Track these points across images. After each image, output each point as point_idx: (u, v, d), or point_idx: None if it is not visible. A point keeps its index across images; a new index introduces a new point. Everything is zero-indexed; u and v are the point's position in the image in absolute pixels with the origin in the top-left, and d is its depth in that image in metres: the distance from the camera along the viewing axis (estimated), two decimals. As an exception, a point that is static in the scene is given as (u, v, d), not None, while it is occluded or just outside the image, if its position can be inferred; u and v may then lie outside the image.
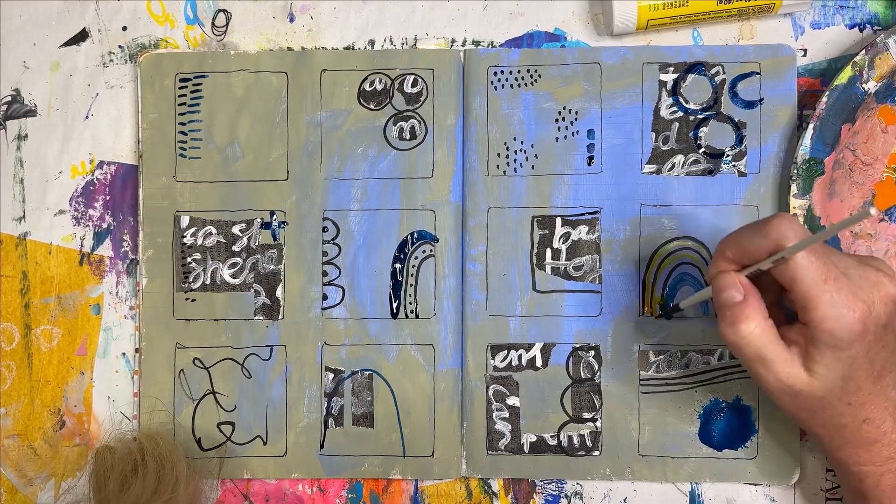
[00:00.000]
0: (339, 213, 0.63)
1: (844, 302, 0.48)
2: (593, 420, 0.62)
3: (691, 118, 0.62)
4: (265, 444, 0.62)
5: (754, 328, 0.50)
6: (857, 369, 0.50)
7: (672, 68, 0.62)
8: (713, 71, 0.62)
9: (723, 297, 0.51)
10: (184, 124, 0.63)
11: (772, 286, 0.52)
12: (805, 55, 0.63)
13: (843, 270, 0.49)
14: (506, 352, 0.62)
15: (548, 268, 0.62)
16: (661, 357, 0.62)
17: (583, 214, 0.62)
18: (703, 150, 0.62)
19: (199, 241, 0.63)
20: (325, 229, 0.63)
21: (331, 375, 0.62)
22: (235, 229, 0.63)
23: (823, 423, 0.52)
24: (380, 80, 0.63)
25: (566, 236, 0.62)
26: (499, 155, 0.63)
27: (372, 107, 0.63)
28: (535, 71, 0.63)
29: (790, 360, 0.50)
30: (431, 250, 0.62)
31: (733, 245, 0.51)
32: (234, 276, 0.63)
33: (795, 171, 0.59)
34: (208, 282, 0.63)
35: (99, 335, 0.64)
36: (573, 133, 0.62)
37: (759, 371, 0.51)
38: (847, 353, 0.49)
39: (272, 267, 0.63)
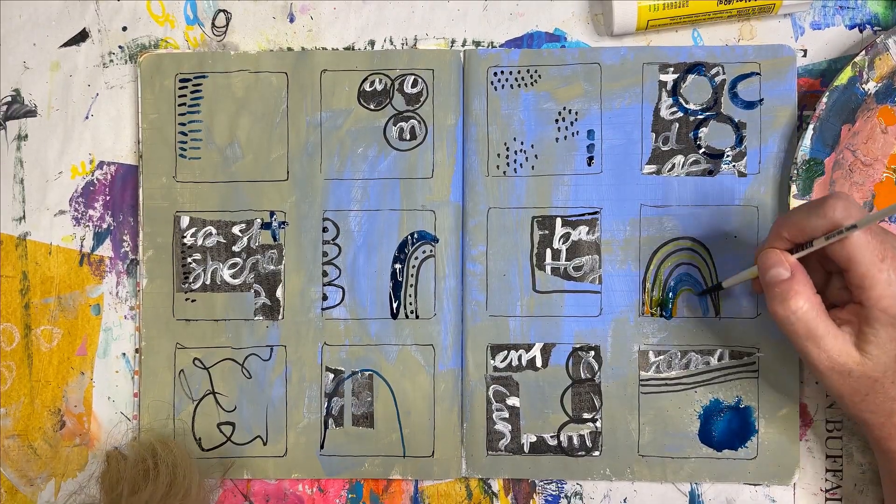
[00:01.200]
0: (339, 213, 0.63)
1: None
2: (593, 420, 0.62)
3: (691, 118, 0.62)
4: (265, 444, 0.62)
5: (804, 303, 0.50)
6: None
7: (672, 69, 0.62)
8: (713, 71, 0.62)
9: (770, 275, 0.51)
10: (184, 124, 0.63)
11: (816, 274, 0.53)
12: (805, 55, 0.63)
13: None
14: (506, 352, 0.62)
15: (548, 268, 0.62)
16: (661, 357, 0.62)
17: (583, 215, 0.62)
18: (703, 150, 0.62)
19: (199, 242, 0.63)
20: (325, 229, 0.63)
21: (331, 376, 0.62)
22: (235, 229, 0.63)
23: (874, 408, 0.52)
24: (380, 81, 0.63)
25: (566, 236, 0.62)
26: (499, 155, 0.63)
27: (372, 107, 0.63)
28: (535, 71, 0.63)
29: (842, 337, 0.50)
30: (431, 250, 0.62)
31: (790, 224, 0.51)
32: (234, 276, 0.63)
33: (795, 171, 0.59)
34: (208, 282, 0.63)
35: (99, 335, 0.64)
36: (573, 133, 0.62)
37: (810, 349, 0.50)
38: None
39: (272, 267, 0.63)
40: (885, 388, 0.51)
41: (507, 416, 0.62)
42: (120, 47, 0.65)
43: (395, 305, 0.62)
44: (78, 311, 0.64)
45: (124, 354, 0.64)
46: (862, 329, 0.50)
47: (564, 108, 0.62)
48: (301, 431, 0.62)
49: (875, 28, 0.63)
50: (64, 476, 0.63)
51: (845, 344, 0.50)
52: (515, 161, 0.62)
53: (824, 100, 0.59)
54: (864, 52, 0.59)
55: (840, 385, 0.51)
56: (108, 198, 0.64)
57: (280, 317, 0.63)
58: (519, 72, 0.63)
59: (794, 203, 0.59)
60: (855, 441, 0.62)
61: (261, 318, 0.63)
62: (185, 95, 0.64)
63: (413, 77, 0.63)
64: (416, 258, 0.62)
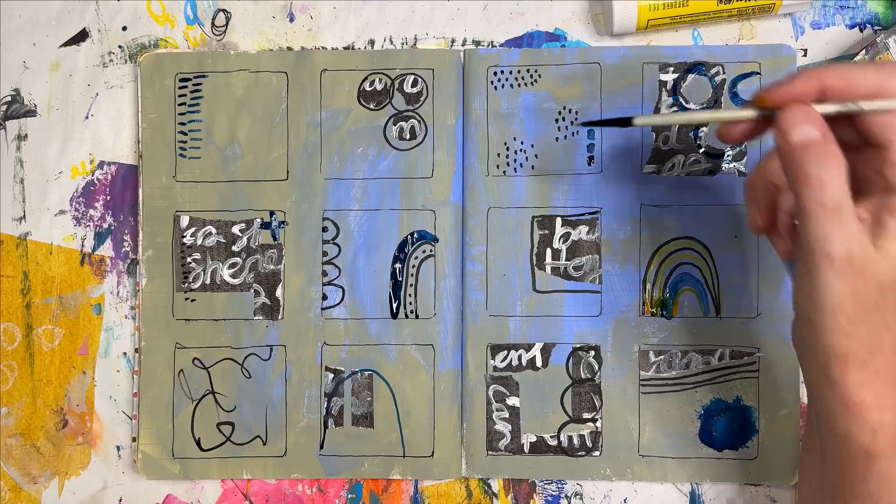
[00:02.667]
0: (339, 213, 0.63)
1: None
2: (593, 420, 0.62)
3: (691, 118, 0.62)
4: (265, 444, 0.62)
5: (839, 168, 0.42)
6: None
7: (672, 68, 0.62)
8: (713, 71, 0.62)
9: (799, 134, 0.43)
10: (184, 124, 0.63)
11: None
12: (805, 55, 0.63)
13: None
14: (506, 352, 0.62)
15: (548, 268, 0.62)
16: (662, 357, 0.62)
17: (583, 214, 0.62)
18: (703, 150, 0.62)
19: (199, 241, 0.63)
20: (325, 229, 0.63)
21: (331, 375, 0.62)
22: (235, 229, 0.63)
23: (865, 336, 0.43)
24: (380, 80, 0.63)
25: (566, 236, 0.62)
26: (499, 155, 0.62)
27: (372, 107, 0.63)
28: (535, 71, 0.63)
29: (862, 229, 0.43)
30: (431, 250, 0.62)
31: (836, 71, 0.44)
32: (233, 276, 0.63)
33: (796, 171, 0.59)
34: (208, 282, 0.63)
35: (100, 335, 0.64)
36: (573, 133, 0.62)
37: (833, 227, 0.42)
38: None
39: (272, 267, 0.63)
40: (885, 306, 0.43)
41: (507, 416, 0.62)
42: (120, 47, 0.65)
43: (394, 305, 0.62)
44: (79, 311, 0.64)
45: (125, 354, 0.64)
46: (883, 222, 0.43)
47: (564, 108, 0.62)
48: (301, 431, 0.62)
49: (875, 28, 0.62)
50: (67, 474, 0.63)
51: (864, 235, 0.43)
52: (515, 161, 0.62)
53: (825, 99, 0.59)
54: (864, 51, 0.59)
55: (846, 289, 0.43)
56: (108, 198, 0.65)
57: (280, 316, 0.63)
58: (519, 71, 0.63)
59: (795, 203, 0.59)
60: (856, 441, 0.62)
61: (260, 317, 0.63)
62: (185, 95, 0.64)
63: (413, 77, 0.63)
64: (416, 258, 0.62)
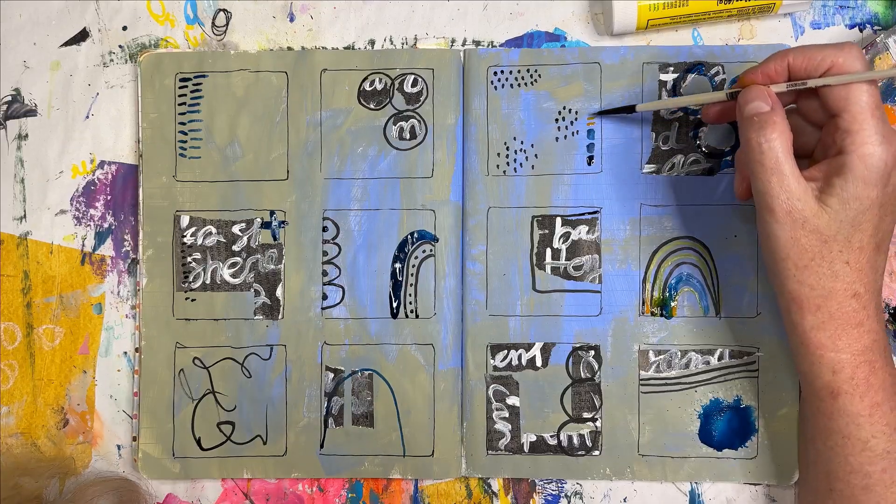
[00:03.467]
0: (339, 212, 0.63)
1: (888, 135, 0.48)
2: (593, 420, 0.62)
3: (691, 118, 0.62)
4: (265, 443, 0.62)
5: (779, 135, 0.49)
6: (867, 221, 0.49)
7: (672, 68, 0.62)
8: (713, 71, 0.62)
9: (750, 107, 0.51)
10: (184, 124, 0.63)
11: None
12: (805, 55, 0.63)
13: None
14: (506, 351, 0.62)
15: (548, 268, 0.62)
16: (661, 357, 0.62)
17: (583, 214, 0.62)
18: (703, 149, 0.62)
19: (199, 241, 0.63)
20: (325, 229, 0.63)
21: (331, 375, 0.62)
22: (235, 229, 0.63)
23: (813, 282, 0.50)
24: (380, 80, 0.63)
25: (566, 236, 0.62)
26: (499, 155, 0.62)
27: (372, 106, 0.63)
28: (535, 71, 0.63)
29: (804, 185, 0.49)
30: (431, 250, 0.62)
31: (800, 53, 0.50)
32: (234, 275, 0.63)
33: (795, 171, 0.59)
34: (208, 281, 0.63)
35: (101, 334, 0.64)
36: (573, 133, 0.62)
37: (773, 185, 0.49)
38: (867, 193, 0.48)
39: (272, 266, 0.63)
40: (831, 257, 0.50)
41: (506, 415, 0.62)
42: (120, 47, 0.65)
43: (394, 305, 0.62)
44: (80, 310, 0.64)
45: (126, 353, 0.64)
46: (831, 181, 0.49)
47: (564, 108, 0.62)
48: (301, 431, 0.62)
49: (875, 28, 0.62)
50: (68, 473, 0.63)
51: (806, 192, 0.49)
52: (515, 160, 0.62)
53: (824, 99, 0.59)
54: (864, 51, 0.58)
55: (789, 239, 0.50)
56: (109, 197, 0.65)
57: (280, 316, 0.63)
58: (519, 71, 0.63)
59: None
60: (855, 441, 0.62)
61: (261, 317, 0.63)
62: (185, 95, 0.64)
63: (413, 76, 0.63)
64: (416, 257, 0.62)
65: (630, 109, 0.61)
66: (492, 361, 0.62)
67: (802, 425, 0.57)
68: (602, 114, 0.62)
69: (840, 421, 0.52)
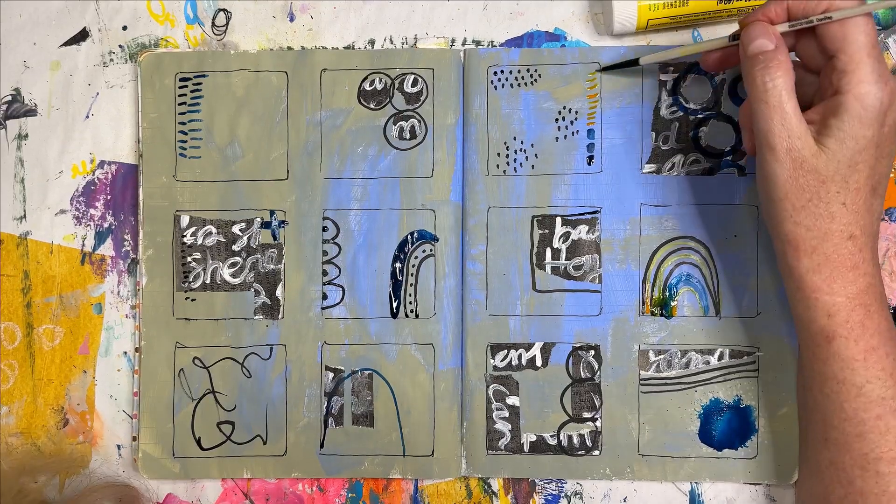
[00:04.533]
0: (339, 212, 0.63)
1: (883, 74, 0.49)
2: (593, 420, 0.62)
3: (691, 118, 0.62)
4: (265, 443, 0.62)
5: (784, 73, 0.49)
6: (863, 162, 0.49)
7: (672, 68, 0.62)
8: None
9: (755, 45, 0.51)
10: (184, 124, 0.63)
11: None
12: (805, 54, 0.63)
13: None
14: (506, 351, 0.62)
15: (548, 267, 0.62)
16: (661, 357, 0.62)
17: (583, 214, 0.62)
18: (703, 149, 0.62)
19: (199, 241, 0.63)
20: (325, 229, 0.63)
21: (331, 375, 0.62)
22: (235, 229, 0.63)
23: (810, 223, 0.51)
24: (380, 80, 0.63)
25: (566, 236, 0.62)
26: (499, 154, 0.63)
27: (372, 106, 0.63)
28: (535, 71, 0.63)
29: (805, 125, 0.50)
30: (431, 250, 0.62)
31: None
32: (234, 275, 0.63)
33: (795, 170, 0.59)
34: (208, 281, 0.63)
35: (101, 334, 0.64)
36: (573, 133, 0.62)
37: (775, 123, 0.50)
38: (864, 133, 0.49)
39: (272, 266, 0.63)
40: (828, 198, 0.50)
41: (506, 415, 0.62)
42: (120, 46, 0.65)
43: (394, 304, 0.62)
44: (80, 310, 0.64)
45: (126, 353, 0.64)
46: (827, 122, 0.49)
47: (564, 108, 0.62)
48: (301, 431, 0.62)
49: (875, 28, 0.62)
50: (68, 473, 0.63)
51: (806, 132, 0.49)
52: (515, 160, 0.62)
53: (824, 99, 0.59)
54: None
55: (788, 178, 0.50)
56: (109, 197, 0.65)
57: (280, 316, 0.63)
58: (519, 71, 0.63)
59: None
60: (855, 441, 0.62)
61: (261, 317, 0.63)
62: (185, 95, 0.64)
63: (413, 76, 0.63)
64: (416, 257, 0.62)
65: (634, 63, 0.61)
66: (492, 361, 0.62)
67: (800, 375, 0.57)
68: (606, 70, 0.62)
69: (835, 366, 0.52)
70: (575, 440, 0.62)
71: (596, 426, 0.62)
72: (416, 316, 0.62)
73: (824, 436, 0.53)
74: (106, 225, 0.64)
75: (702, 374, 0.62)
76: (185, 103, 0.64)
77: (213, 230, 0.63)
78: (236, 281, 0.63)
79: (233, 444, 0.62)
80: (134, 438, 0.63)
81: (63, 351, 0.64)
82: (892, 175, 0.61)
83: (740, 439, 0.61)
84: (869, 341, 0.51)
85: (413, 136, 0.63)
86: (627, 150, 0.62)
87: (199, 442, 0.63)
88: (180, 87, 0.64)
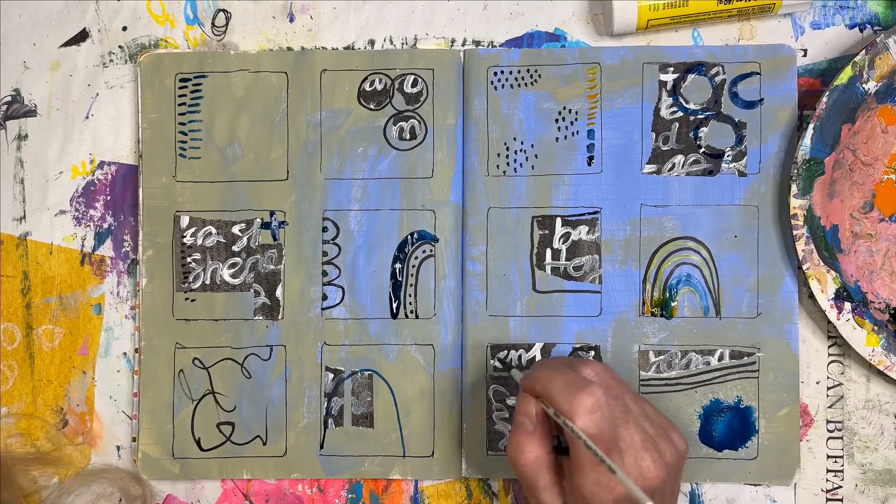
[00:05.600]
0: (339, 213, 0.63)
1: (605, 485, 0.48)
2: (593, 420, 0.62)
3: (691, 118, 0.62)
4: (265, 444, 0.62)
5: (534, 459, 0.51)
6: None
7: (672, 68, 0.62)
8: (713, 71, 0.62)
9: (518, 420, 0.53)
10: (184, 124, 0.63)
11: None
12: (805, 55, 0.63)
13: (627, 443, 0.50)
14: (506, 352, 0.62)
15: (548, 268, 0.62)
16: (662, 357, 0.62)
17: (583, 214, 0.62)
18: (703, 150, 0.62)
19: (199, 241, 0.63)
20: (325, 229, 0.63)
21: (331, 375, 0.62)
22: (235, 229, 0.63)
23: None
24: (380, 80, 0.63)
25: (566, 236, 0.62)
26: (499, 155, 0.62)
27: (372, 107, 0.63)
28: (535, 71, 0.63)
29: (556, 494, 0.51)
30: (431, 250, 0.62)
31: (542, 383, 0.51)
32: (233, 276, 0.63)
33: (795, 171, 0.59)
34: (208, 282, 0.63)
35: (100, 335, 0.64)
36: (573, 133, 0.62)
37: (528, 493, 0.53)
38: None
39: (272, 267, 0.63)
40: None
41: (507, 415, 0.62)
42: (120, 47, 0.65)
43: (394, 305, 0.62)
44: (79, 311, 0.64)
45: (125, 354, 0.64)
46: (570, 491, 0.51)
47: (564, 108, 0.62)
48: (301, 431, 0.62)
49: (875, 28, 0.62)
50: (68, 474, 0.63)
51: (556, 499, 0.51)
52: (515, 161, 0.62)
53: (824, 99, 0.59)
54: (864, 51, 0.58)
55: None
56: (108, 198, 0.65)
57: (280, 316, 0.63)
58: (519, 71, 0.63)
59: (794, 202, 0.59)
60: (856, 441, 0.62)
61: (260, 317, 0.63)
62: (185, 95, 0.64)
63: (413, 77, 0.63)
64: (416, 258, 0.62)
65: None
66: (492, 362, 0.62)
67: None
68: None
69: None
70: (575, 441, 0.62)
71: (596, 427, 0.62)
72: (416, 316, 0.62)
73: None
74: (105, 225, 0.64)
75: (702, 375, 0.62)
76: (184, 104, 0.64)
77: (213, 231, 0.63)
78: (236, 281, 0.63)
79: (233, 444, 0.62)
80: (133, 439, 0.63)
81: (62, 352, 0.64)
82: (892, 178, 0.61)
83: (740, 440, 0.61)
84: None
85: (413, 136, 0.63)
86: (627, 150, 0.62)
87: (198, 443, 0.63)
88: (180, 88, 0.64)
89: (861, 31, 0.62)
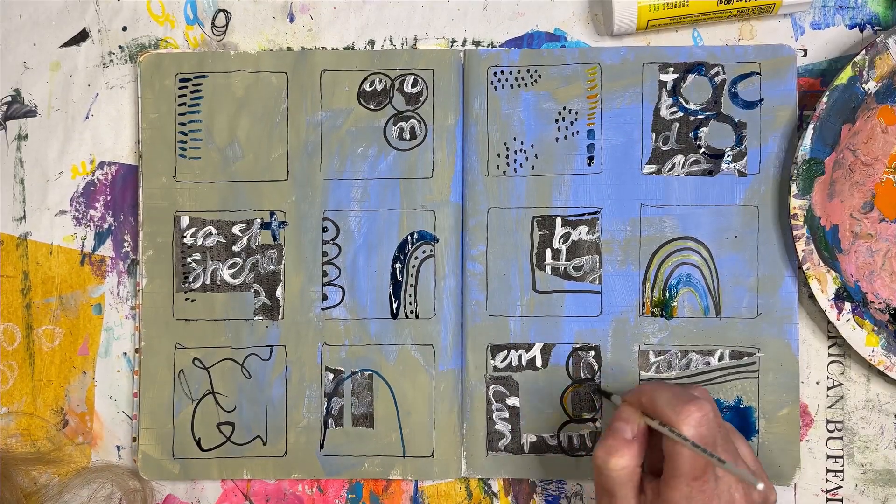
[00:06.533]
0: (339, 213, 0.63)
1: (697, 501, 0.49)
2: (593, 420, 0.62)
3: (691, 118, 0.62)
4: (265, 444, 0.62)
5: (624, 467, 0.51)
6: None
7: (672, 68, 0.62)
8: (713, 71, 0.62)
9: (616, 426, 0.52)
10: (184, 124, 0.63)
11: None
12: (805, 55, 0.63)
13: (722, 472, 0.50)
14: (506, 352, 0.62)
15: (548, 268, 0.62)
16: (662, 357, 0.62)
17: (583, 214, 0.62)
18: (703, 150, 0.62)
19: (199, 242, 0.63)
20: (325, 229, 0.63)
21: (331, 375, 0.62)
22: (235, 229, 0.63)
23: None
24: (380, 80, 0.63)
25: (566, 236, 0.62)
26: (499, 155, 0.63)
27: (372, 107, 0.63)
28: (535, 71, 0.63)
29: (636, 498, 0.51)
30: (431, 250, 0.62)
31: (649, 395, 0.52)
32: (233, 276, 0.63)
33: (795, 171, 0.59)
34: (208, 282, 0.63)
35: (100, 335, 0.64)
36: (573, 133, 0.62)
37: (604, 500, 0.52)
38: None
39: (272, 267, 0.63)
40: None
41: (507, 416, 0.62)
42: (120, 47, 0.65)
43: (394, 305, 0.62)
44: (79, 311, 0.64)
45: (125, 354, 0.64)
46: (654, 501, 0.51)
47: (564, 108, 0.62)
48: (301, 431, 0.62)
49: (875, 28, 0.62)
50: (67, 474, 0.63)
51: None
52: (515, 161, 0.62)
53: (824, 99, 0.59)
54: (864, 51, 0.58)
55: None
56: (108, 198, 0.65)
57: (280, 317, 0.63)
58: (519, 71, 0.63)
59: (794, 202, 0.59)
60: (856, 441, 0.62)
61: (260, 317, 0.63)
62: (185, 95, 0.64)
63: (413, 77, 0.63)
64: (416, 258, 0.62)
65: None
66: (492, 362, 0.62)
67: None
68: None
69: None
70: (575, 441, 0.62)
71: (596, 427, 0.62)
72: (416, 317, 0.62)
73: None
74: (106, 226, 0.64)
75: (702, 375, 0.62)
76: (185, 104, 0.64)
77: (213, 231, 0.63)
78: (236, 282, 0.63)
79: (233, 444, 0.62)
80: (134, 439, 0.63)
81: (62, 352, 0.64)
82: (892, 178, 0.61)
83: (740, 440, 0.61)
84: None
85: (413, 136, 0.63)
86: (627, 150, 0.62)
87: (198, 443, 0.63)
88: (180, 88, 0.64)
89: (861, 31, 0.62)
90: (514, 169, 0.62)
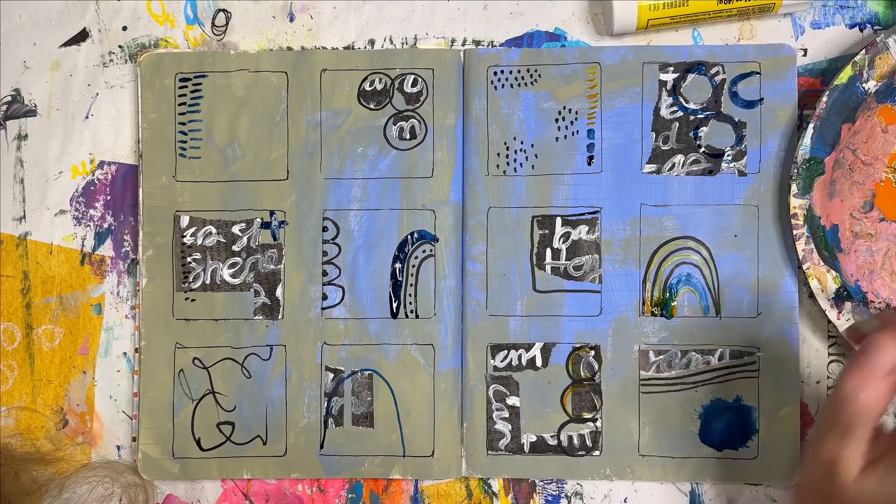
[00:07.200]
0: (339, 212, 0.63)
1: None
2: (593, 420, 0.62)
3: (691, 118, 0.62)
4: (265, 444, 0.62)
5: (874, 404, 0.46)
6: None
7: (672, 68, 0.62)
8: (713, 71, 0.62)
9: (875, 359, 0.47)
10: (184, 124, 0.63)
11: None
12: (805, 55, 0.63)
13: None
14: (506, 352, 0.62)
15: (548, 268, 0.62)
16: (662, 357, 0.62)
17: (583, 214, 0.62)
18: (703, 149, 0.62)
19: (199, 241, 0.63)
20: (325, 229, 0.63)
21: (331, 375, 0.62)
22: (235, 229, 0.63)
23: None
24: (380, 80, 0.63)
25: (566, 236, 0.62)
26: (499, 155, 0.62)
27: (372, 106, 0.63)
28: (535, 71, 0.63)
29: (860, 453, 0.46)
30: (431, 250, 0.62)
31: None
32: (233, 275, 0.63)
33: (795, 170, 0.59)
34: (208, 281, 0.63)
35: (100, 335, 0.64)
36: (573, 133, 0.62)
37: (830, 435, 0.47)
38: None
39: (272, 267, 0.63)
40: None
41: (507, 415, 0.62)
42: (120, 47, 0.65)
43: (394, 305, 0.62)
44: (79, 311, 0.64)
45: (125, 354, 0.64)
46: (886, 458, 0.46)
47: (564, 108, 0.62)
48: (301, 431, 0.62)
49: (875, 27, 0.62)
50: (67, 475, 0.63)
51: (857, 458, 0.47)
52: (515, 160, 0.62)
53: (824, 99, 0.59)
54: (864, 51, 0.58)
55: (811, 483, 0.49)
56: (108, 197, 0.65)
57: (280, 316, 0.63)
58: (519, 71, 0.63)
59: (794, 202, 0.59)
60: (856, 441, 0.62)
61: (260, 317, 0.63)
62: (185, 95, 0.64)
63: (413, 76, 0.63)
64: (416, 258, 0.62)
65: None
66: (492, 361, 0.62)
67: None
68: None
69: None
70: (575, 440, 0.62)
71: (596, 426, 0.62)
72: (416, 316, 0.62)
73: None
74: (105, 225, 0.64)
75: (702, 375, 0.62)
76: (184, 104, 0.64)
77: (213, 230, 0.63)
78: (236, 281, 0.63)
79: (233, 444, 0.62)
80: (133, 439, 0.63)
81: (62, 352, 0.64)
82: (892, 178, 0.61)
83: (741, 440, 0.61)
84: None
85: (413, 136, 0.63)
86: (627, 150, 0.62)
87: (198, 442, 0.63)
88: (180, 88, 0.64)
89: (861, 30, 0.62)
90: (514, 168, 0.62)
